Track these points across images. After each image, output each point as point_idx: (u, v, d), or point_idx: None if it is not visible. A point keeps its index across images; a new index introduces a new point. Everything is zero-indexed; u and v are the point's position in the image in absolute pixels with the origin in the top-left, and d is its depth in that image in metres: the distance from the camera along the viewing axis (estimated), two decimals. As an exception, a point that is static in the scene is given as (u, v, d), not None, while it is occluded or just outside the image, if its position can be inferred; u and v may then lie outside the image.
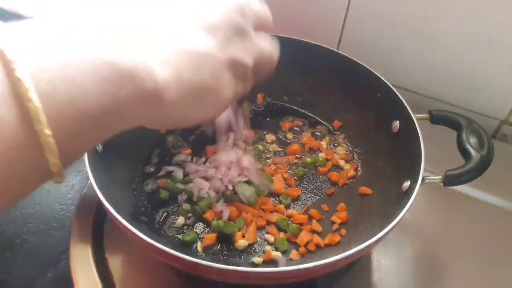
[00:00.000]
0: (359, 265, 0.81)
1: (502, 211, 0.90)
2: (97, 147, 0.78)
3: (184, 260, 0.61)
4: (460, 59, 1.00)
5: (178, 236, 0.81)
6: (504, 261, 0.84)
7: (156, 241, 0.67)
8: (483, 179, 0.73)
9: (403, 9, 0.98)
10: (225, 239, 0.81)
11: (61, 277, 0.86)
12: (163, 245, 0.70)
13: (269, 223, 0.83)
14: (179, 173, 0.89)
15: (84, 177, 0.99)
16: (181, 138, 0.98)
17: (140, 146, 0.93)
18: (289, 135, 1.00)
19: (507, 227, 0.88)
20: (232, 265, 0.75)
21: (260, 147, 0.96)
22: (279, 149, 0.97)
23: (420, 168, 0.72)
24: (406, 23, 1.00)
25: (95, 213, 0.87)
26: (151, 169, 0.92)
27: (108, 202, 0.68)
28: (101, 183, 0.75)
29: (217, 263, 0.75)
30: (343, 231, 0.82)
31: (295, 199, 0.88)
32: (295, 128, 1.02)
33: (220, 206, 0.84)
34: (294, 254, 0.79)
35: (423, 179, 0.71)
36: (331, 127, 1.01)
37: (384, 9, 1.00)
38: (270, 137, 0.99)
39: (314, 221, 0.84)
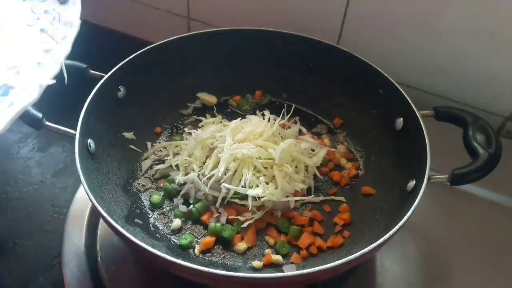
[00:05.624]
0: (362, 267, 0.78)
1: (509, 211, 0.87)
2: (89, 148, 0.76)
3: (179, 265, 0.58)
4: (463, 54, 0.97)
5: (175, 239, 0.78)
6: (512, 262, 0.81)
7: (151, 244, 0.65)
8: (490, 177, 0.71)
9: (404, 3, 0.95)
10: (224, 241, 0.78)
11: (54, 282, 0.84)
12: (159, 248, 0.68)
13: (269, 225, 0.81)
14: (176, 175, 0.86)
15: (77, 178, 0.95)
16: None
17: (134, 145, 0.90)
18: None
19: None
20: (231, 270, 0.74)
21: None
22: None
23: (425, 167, 0.70)
24: (408, 17, 0.97)
25: (88, 215, 0.84)
26: (147, 170, 0.89)
27: (100, 205, 0.65)
28: (93, 185, 0.72)
29: (215, 267, 0.74)
30: (346, 233, 0.79)
31: (296, 199, 0.85)
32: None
33: (217, 208, 0.81)
34: (295, 257, 0.76)
35: (429, 178, 0.69)
36: (331, 125, 0.98)
37: (385, 3, 0.97)
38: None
39: (315, 222, 0.81)
